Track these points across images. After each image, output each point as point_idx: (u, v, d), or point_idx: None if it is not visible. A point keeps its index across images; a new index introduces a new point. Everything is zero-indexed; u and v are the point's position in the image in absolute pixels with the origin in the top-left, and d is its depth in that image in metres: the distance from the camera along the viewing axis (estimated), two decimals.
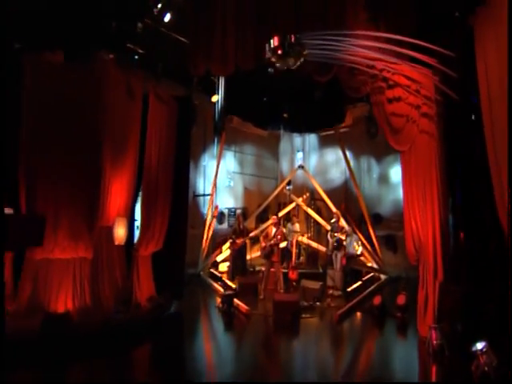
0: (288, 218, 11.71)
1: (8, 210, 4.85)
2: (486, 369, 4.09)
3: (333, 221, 8.96)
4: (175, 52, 7.19)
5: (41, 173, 5.08)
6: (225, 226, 11.80)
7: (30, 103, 5.02)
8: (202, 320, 6.94)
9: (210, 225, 10.31)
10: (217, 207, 10.58)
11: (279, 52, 5.06)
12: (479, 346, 4.26)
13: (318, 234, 11.55)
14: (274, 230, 8.00)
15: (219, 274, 9.48)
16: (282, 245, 10.74)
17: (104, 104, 5.39)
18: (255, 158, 13.26)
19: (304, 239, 11.04)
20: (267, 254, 7.90)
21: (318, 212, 11.92)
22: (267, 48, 5.14)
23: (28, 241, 3.52)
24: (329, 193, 11.66)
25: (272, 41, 5.09)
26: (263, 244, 7.94)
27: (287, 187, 12.11)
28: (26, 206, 4.94)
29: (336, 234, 8.52)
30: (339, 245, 8.48)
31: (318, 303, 7.24)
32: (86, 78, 5.24)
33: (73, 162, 5.23)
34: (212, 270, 9.79)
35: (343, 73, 5.77)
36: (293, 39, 5.03)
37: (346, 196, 11.80)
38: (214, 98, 8.97)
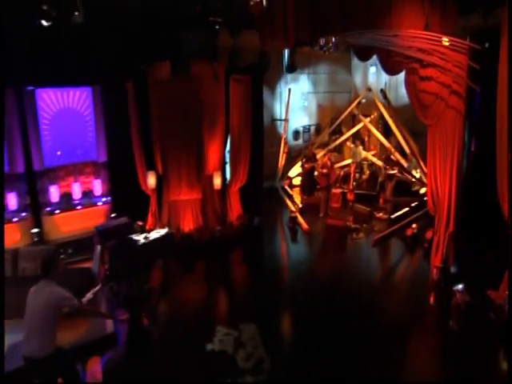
0: (357, 136, 13.46)
1: (150, 173, 8.17)
2: (459, 302, 6.03)
3: (384, 156, 10.73)
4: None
5: (167, 145, 8.08)
6: (300, 141, 14.12)
7: (154, 100, 7.79)
8: (275, 233, 10.07)
9: (284, 148, 12.72)
10: (286, 144, 12.73)
11: (326, 48, 6.77)
12: (459, 286, 6.10)
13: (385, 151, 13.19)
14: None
15: (291, 191, 12.31)
16: (345, 163, 12.87)
17: (200, 93, 7.86)
18: (328, 75, 14.28)
19: (369, 156, 12.87)
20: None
21: (387, 131, 13.31)
22: (316, 44, 6.80)
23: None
24: (400, 109, 12.67)
25: (320, 40, 6.75)
26: (324, 183, 10.28)
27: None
28: (161, 168, 8.17)
29: (387, 167, 10.45)
30: (390, 176, 10.48)
31: (364, 225, 9.70)
32: (187, 80, 7.67)
33: (185, 135, 8.06)
34: (286, 187, 12.65)
35: (382, 54, 6.97)
36: (335, 40, 6.60)
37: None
38: None
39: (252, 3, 6.81)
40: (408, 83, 7.05)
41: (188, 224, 8.55)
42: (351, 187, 11.55)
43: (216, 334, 5.70)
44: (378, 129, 13.12)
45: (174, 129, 7.90)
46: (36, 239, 7.16)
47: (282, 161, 12.60)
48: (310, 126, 14.27)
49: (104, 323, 5.58)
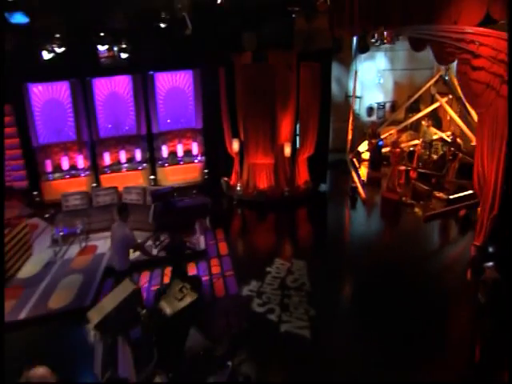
0: (432, 115, 14.20)
1: (235, 139, 10.63)
2: (487, 277, 6.40)
3: (450, 138, 11.70)
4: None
5: (248, 118, 10.40)
6: (374, 118, 15.25)
7: (239, 82, 10.15)
8: (337, 199, 11.67)
9: (351, 124, 14.20)
10: (354, 121, 14.13)
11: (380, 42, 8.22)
12: (489, 264, 6.45)
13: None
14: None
15: (358, 164, 13.86)
16: (414, 142, 13.81)
17: (275, 78, 9.97)
18: (407, 52, 14.27)
19: (444, 136, 13.19)
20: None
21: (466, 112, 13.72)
22: (371, 36, 8.23)
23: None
24: None
25: (375, 34, 8.18)
26: (394, 160, 11.66)
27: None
28: (243, 136, 10.56)
29: (452, 149, 11.42)
30: (454, 157, 11.44)
31: (421, 202, 10.59)
32: (264, 66, 9.88)
33: (262, 111, 10.23)
34: (353, 160, 14.23)
35: (435, 46, 7.90)
36: (388, 34, 7.96)
37: None
38: None
39: (318, 3, 8.58)
40: (460, 73, 7.62)
41: (262, 183, 10.90)
42: (415, 165, 12.63)
43: (274, 262, 7.96)
44: (457, 109, 13.42)
45: (253, 105, 10.15)
46: (152, 184, 10.22)
47: (350, 135, 14.14)
48: (384, 103, 15.10)
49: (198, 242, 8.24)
